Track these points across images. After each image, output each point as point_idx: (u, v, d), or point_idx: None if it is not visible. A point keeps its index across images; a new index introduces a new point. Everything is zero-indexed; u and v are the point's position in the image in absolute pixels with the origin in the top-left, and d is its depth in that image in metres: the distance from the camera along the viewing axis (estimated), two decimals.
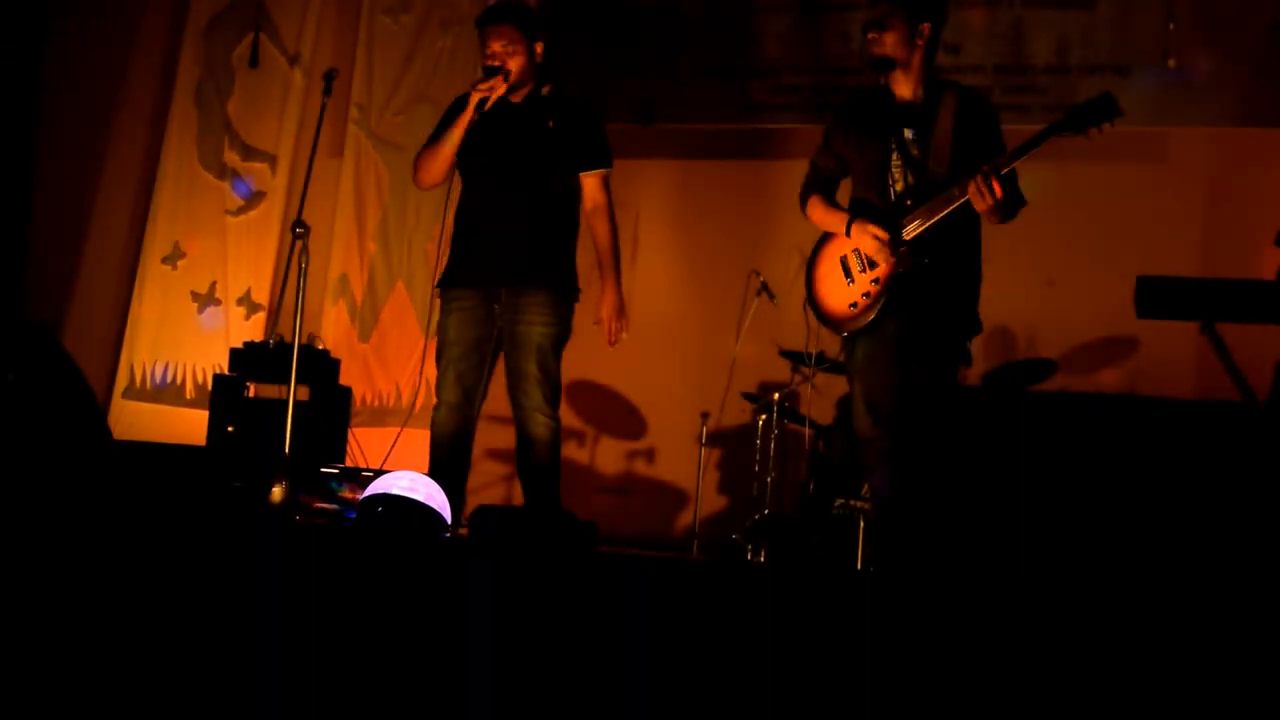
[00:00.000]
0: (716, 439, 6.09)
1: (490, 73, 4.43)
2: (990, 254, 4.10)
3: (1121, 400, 3.01)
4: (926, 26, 4.05)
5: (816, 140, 4.31)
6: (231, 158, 7.12)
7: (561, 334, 4.44)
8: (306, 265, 4.47)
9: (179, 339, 7.03)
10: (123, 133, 7.27)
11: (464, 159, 4.48)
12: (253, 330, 6.78)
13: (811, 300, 4.23)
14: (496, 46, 4.45)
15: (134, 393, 6.99)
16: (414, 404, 6.55)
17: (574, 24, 6.63)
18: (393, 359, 6.79)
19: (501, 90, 4.43)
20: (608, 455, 6.56)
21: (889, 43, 4.06)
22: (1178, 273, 3.81)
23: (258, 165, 7.11)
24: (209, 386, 6.02)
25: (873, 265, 4.04)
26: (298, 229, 4.45)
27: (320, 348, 5.87)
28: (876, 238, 3.98)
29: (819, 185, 4.26)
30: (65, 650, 3.01)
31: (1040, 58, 6.05)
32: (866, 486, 4.89)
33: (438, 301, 4.55)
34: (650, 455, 6.51)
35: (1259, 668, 2.55)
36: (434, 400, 4.49)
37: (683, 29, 6.57)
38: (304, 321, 4.49)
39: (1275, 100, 5.73)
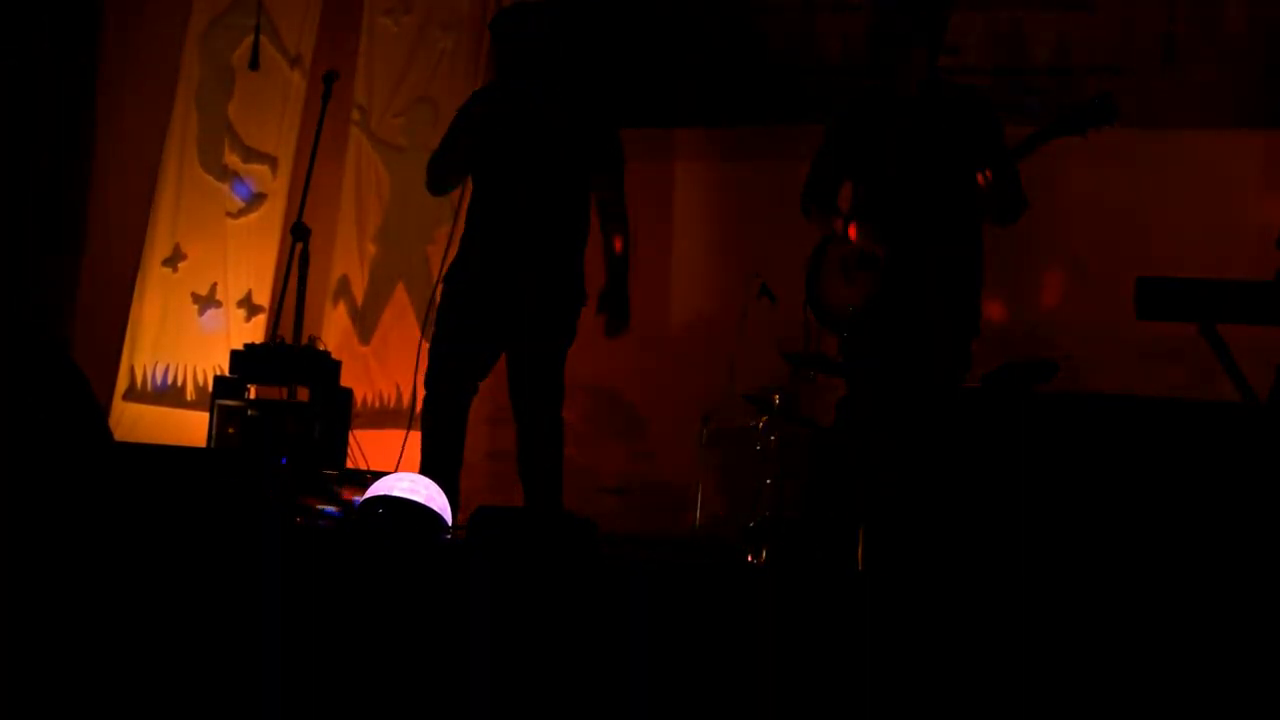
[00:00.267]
0: (717, 440, 6.08)
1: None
2: (991, 254, 4.10)
3: (1121, 400, 3.01)
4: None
5: (817, 141, 4.31)
6: (232, 160, 7.12)
7: (567, 337, 4.45)
8: (307, 267, 4.47)
9: (180, 341, 7.02)
10: (123, 134, 7.26)
11: (478, 159, 4.48)
12: (253, 332, 6.77)
13: (812, 301, 4.23)
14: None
15: (135, 395, 6.99)
16: (416, 406, 6.57)
17: (579, 26, 6.63)
18: (393, 361, 6.78)
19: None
20: (608, 456, 6.55)
21: (917, 66, 4.03)
22: (1178, 273, 3.82)
23: (258, 167, 7.11)
24: (210, 388, 6.01)
25: (872, 266, 4.04)
26: (298, 231, 4.44)
27: (321, 349, 5.86)
28: (875, 234, 3.98)
29: (820, 186, 4.26)
30: (66, 651, 3.01)
31: (1040, 59, 6.05)
32: (867, 488, 4.88)
33: (440, 288, 4.54)
34: (650, 456, 6.50)
35: (1259, 667, 2.55)
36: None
37: (686, 30, 6.57)
38: (304, 323, 4.49)
39: (1275, 101, 5.73)
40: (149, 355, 7.02)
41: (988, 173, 3.80)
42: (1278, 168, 5.78)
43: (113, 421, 6.75)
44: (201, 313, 7.05)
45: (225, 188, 7.11)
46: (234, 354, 5.81)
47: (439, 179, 4.54)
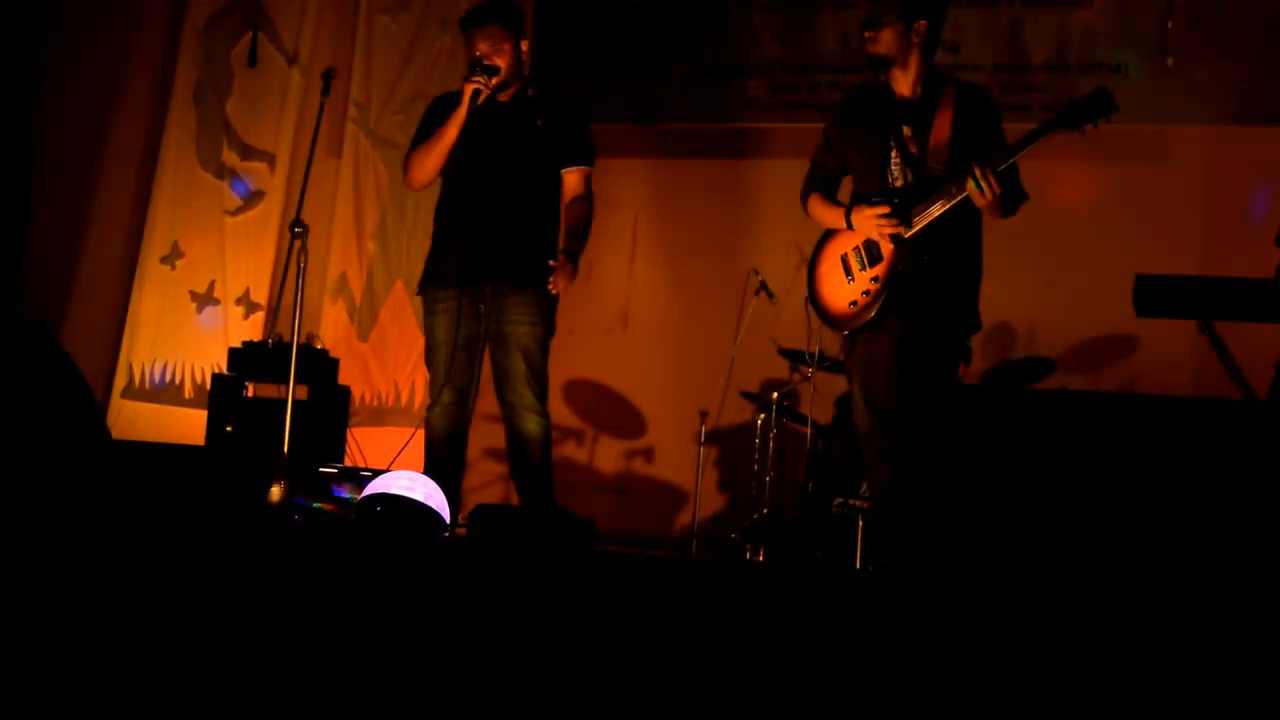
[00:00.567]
0: (716, 438, 6.08)
1: (483, 69, 4.41)
2: (990, 252, 4.09)
3: (1120, 398, 3.01)
4: (923, 24, 4.05)
5: (816, 139, 4.31)
6: (230, 157, 7.12)
7: (547, 332, 4.46)
8: (305, 265, 4.46)
9: (178, 339, 7.02)
10: (121, 133, 7.26)
11: (448, 159, 4.48)
12: (251, 330, 6.77)
13: (812, 298, 4.23)
14: (484, 46, 4.44)
15: (133, 392, 6.99)
16: (414, 403, 6.56)
17: (572, 24, 6.63)
18: (391, 358, 6.78)
19: (494, 85, 4.43)
20: (607, 454, 6.55)
21: (885, 41, 4.06)
22: (1177, 271, 3.82)
23: (256, 165, 7.10)
24: (208, 386, 6.02)
25: (873, 262, 4.03)
26: (296, 228, 4.44)
27: (319, 347, 5.87)
28: (877, 215, 3.96)
29: (820, 183, 4.26)
30: (65, 650, 3.00)
31: (1039, 56, 6.06)
32: (866, 486, 4.88)
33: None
34: (649, 454, 6.50)
35: (1259, 666, 2.55)
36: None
37: (681, 28, 6.57)
38: (303, 321, 4.49)
39: (1273, 99, 5.73)
40: (147, 353, 7.02)
41: (990, 178, 3.79)
42: (1276, 165, 5.78)
43: (111, 419, 6.76)
44: (199, 310, 7.04)
45: (223, 185, 7.11)
46: (232, 351, 5.82)
47: (419, 163, 4.52)
